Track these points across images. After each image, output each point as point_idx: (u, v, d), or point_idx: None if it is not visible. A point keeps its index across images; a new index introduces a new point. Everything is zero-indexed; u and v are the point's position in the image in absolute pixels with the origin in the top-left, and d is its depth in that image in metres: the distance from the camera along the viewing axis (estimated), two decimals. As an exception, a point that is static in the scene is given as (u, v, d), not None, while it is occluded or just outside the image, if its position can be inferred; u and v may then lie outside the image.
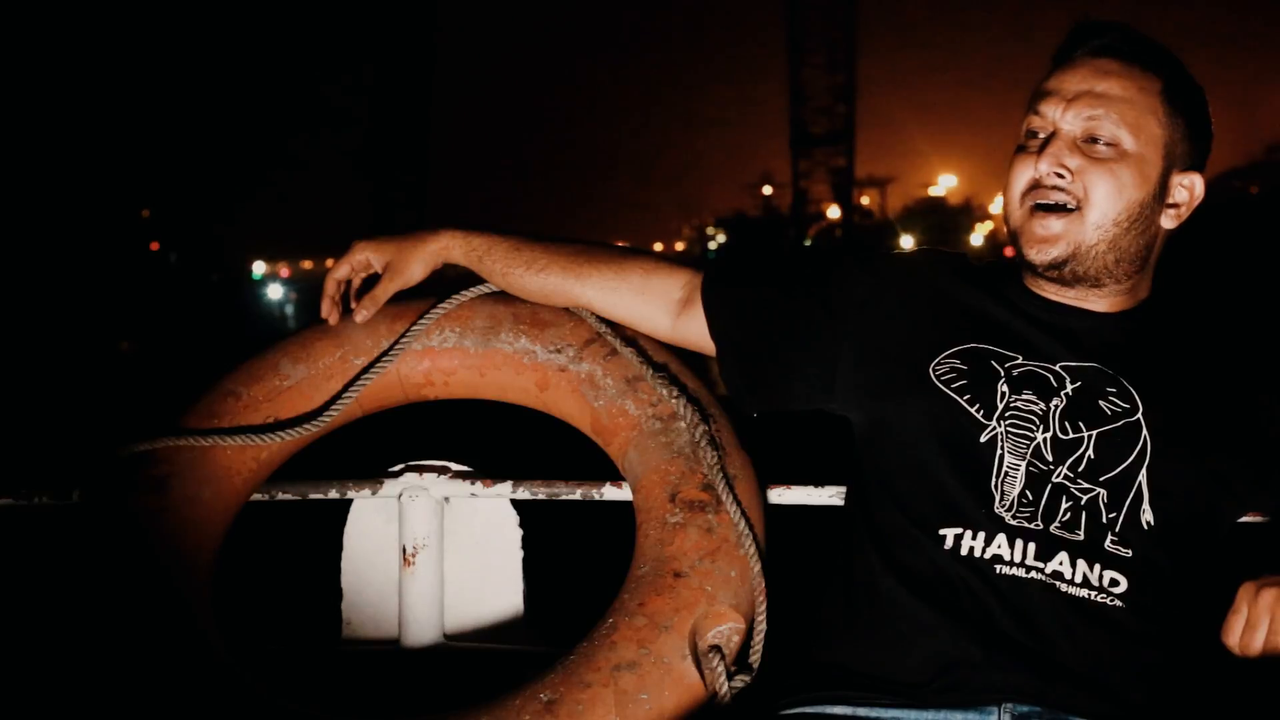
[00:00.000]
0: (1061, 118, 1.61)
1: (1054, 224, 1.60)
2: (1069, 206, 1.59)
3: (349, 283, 1.95)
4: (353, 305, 1.94)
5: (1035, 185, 1.61)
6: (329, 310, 1.94)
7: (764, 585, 1.61)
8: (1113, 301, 1.67)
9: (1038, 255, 1.61)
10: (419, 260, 1.91)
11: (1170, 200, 1.64)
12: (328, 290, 1.94)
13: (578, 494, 1.99)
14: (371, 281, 1.94)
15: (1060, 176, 1.59)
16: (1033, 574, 1.50)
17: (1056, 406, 1.58)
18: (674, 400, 1.78)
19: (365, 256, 1.92)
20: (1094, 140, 1.60)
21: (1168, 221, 1.65)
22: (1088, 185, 1.59)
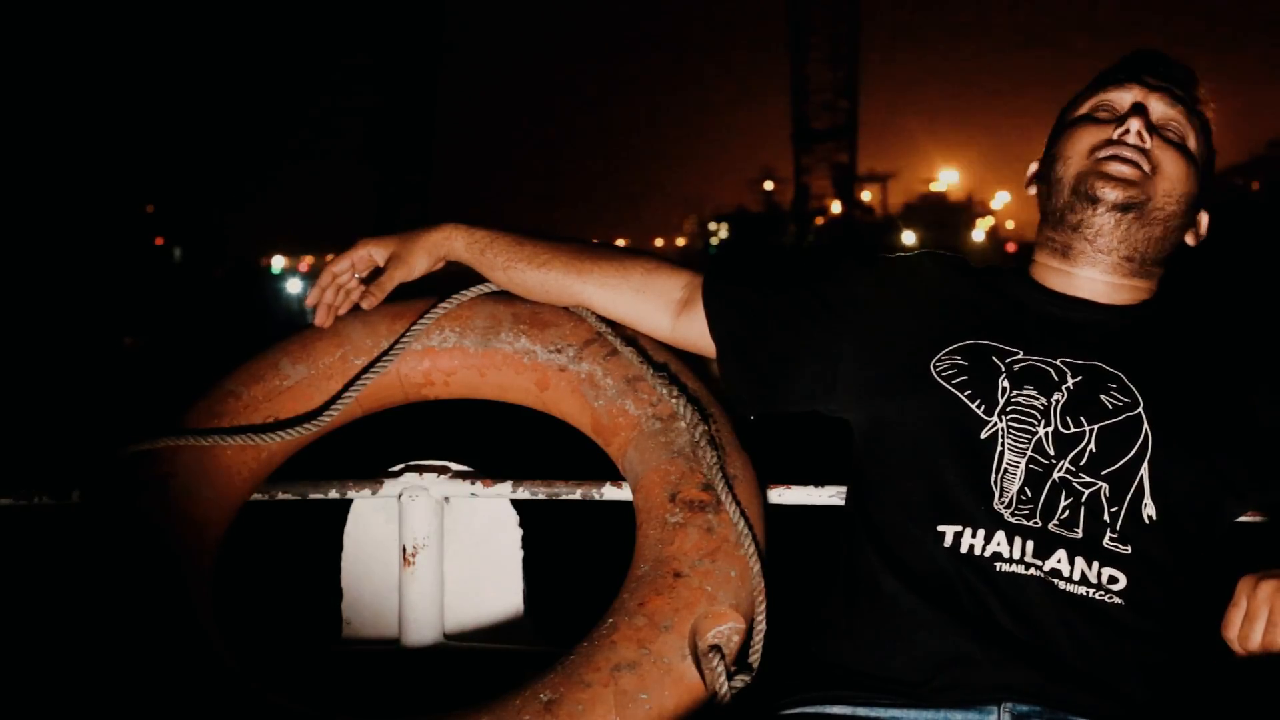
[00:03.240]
0: (1145, 99, 1.69)
1: (1130, 171, 1.65)
2: (1144, 168, 1.65)
3: (343, 293, 1.95)
4: (348, 302, 1.94)
5: (1108, 145, 1.67)
6: (322, 312, 1.93)
7: (764, 585, 1.60)
8: (1119, 294, 1.69)
9: (1113, 192, 1.64)
10: (422, 251, 1.92)
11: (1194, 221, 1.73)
12: (322, 283, 1.94)
13: (578, 494, 1.99)
14: (374, 278, 1.94)
15: (1143, 139, 1.65)
16: (1031, 571, 1.49)
17: (1058, 401, 1.58)
18: (674, 400, 1.78)
19: (367, 251, 1.93)
20: (1169, 129, 1.69)
21: (1189, 238, 1.73)
22: (1161, 160, 1.66)
